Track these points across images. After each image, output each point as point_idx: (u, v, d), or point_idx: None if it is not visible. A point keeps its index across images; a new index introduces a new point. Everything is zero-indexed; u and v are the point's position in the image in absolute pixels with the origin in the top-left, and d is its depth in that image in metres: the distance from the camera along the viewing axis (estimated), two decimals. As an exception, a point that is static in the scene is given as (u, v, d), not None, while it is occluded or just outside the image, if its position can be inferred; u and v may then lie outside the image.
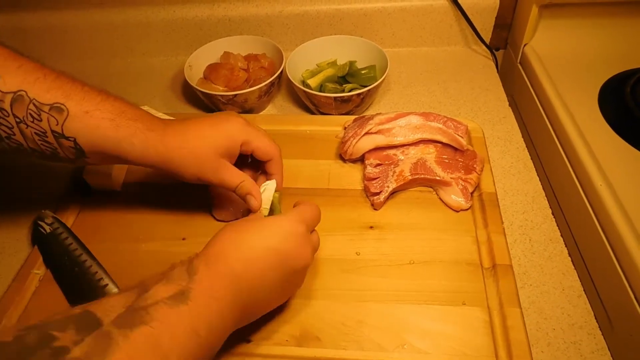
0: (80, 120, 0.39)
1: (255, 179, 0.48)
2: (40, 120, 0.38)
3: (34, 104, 0.38)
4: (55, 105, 0.39)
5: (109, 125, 0.40)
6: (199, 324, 0.30)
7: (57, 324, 0.28)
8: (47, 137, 0.39)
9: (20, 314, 0.44)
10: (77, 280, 0.46)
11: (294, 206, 0.41)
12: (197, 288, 0.31)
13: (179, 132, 0.43)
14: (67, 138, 0.39)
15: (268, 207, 0.45)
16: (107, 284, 0.45)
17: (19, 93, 0.38)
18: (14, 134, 0.39)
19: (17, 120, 0.38)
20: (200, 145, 0.43)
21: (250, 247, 0.36)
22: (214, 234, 0.37)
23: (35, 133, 0.39)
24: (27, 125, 0.39)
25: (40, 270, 0.47)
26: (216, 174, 0.43)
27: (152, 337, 0.27)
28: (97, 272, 0.46)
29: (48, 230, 0.50)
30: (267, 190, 0.45)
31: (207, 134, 0.43)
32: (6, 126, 0.38)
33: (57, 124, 0.39)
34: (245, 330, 0.41)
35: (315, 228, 0.42)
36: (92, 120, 0.39)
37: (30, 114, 0.38)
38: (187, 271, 0.33)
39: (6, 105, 0.38)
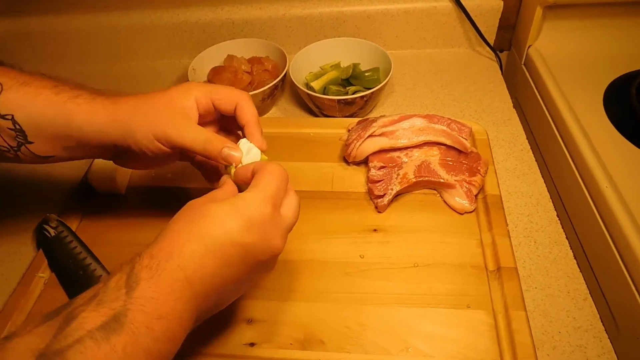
0: (16, 91, 0.35)
1: None
2: None
3: None
4: None
5: (49, 93, 0.36)
6: (137, 357, 0.25)
7: None
8: None
9: (25, 317, 0.44)
10: (81, 284, 0.46)
11: (252, 175, 0.34)
12: (136, 308, 0.25)
13: (130, 96, 0.38)
14: (3, 117, 0.35)
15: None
16: (111, 287, 0.45)
17: None
18: None
19: None
20: (154, 102, 0.37)
21: (205, 242, 0.29)
22: (165, 227, 0.31)
23: None
24: None
25: (45, 273, 0.48)
26: (174, 131, 0.36)
27: None
28: (101, 276, 0.46)
29: (53, 234, 0.50)
30: (251, 152, 0.38)
31: (161, 93, 0.38)
32: None
33: None
34: (248, 334, 0.41)
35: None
36: (30, 89, 0.35)
37: None
38: (126, 284, 0.27)
39: None
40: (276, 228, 0.32)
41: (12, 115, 0.35)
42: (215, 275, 0.29)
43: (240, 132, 0.41)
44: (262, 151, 0.40)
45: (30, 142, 0.37)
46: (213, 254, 0.29)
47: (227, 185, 0.36)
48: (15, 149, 0.37)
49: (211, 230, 0.30)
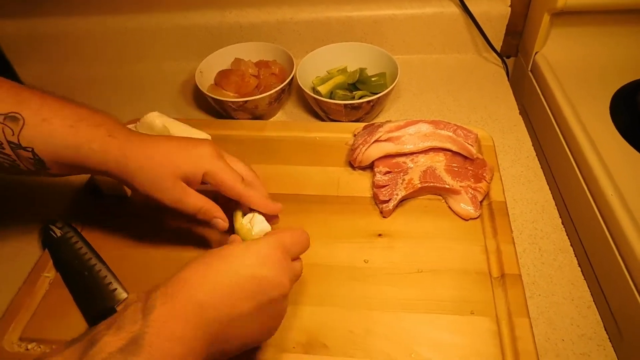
0: (37, 128, 0.38)
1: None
2: None
3: None
4: (10, 114, 0.37)
5: (67, 132, 0.38)
6: None
7: None
8: (4, 148, 0.38)
9: (31, 317, 0.44)
10: (86, 284, 0.46)
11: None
12: (152, 331, 0.27)
13: (143, 145, 0.40)
14: (24, 148, 0.38)
15: (264, 230, 0.42)
16: (116, 288, 0.46)
17: None
18: None
19: None
20: (161, 163, 0.40)
21: (218, 272, 0.32)
22: (181, 268, 0.33)
23: None
24: None
25: (50, 273, 0.48)
26: (173, 197, 0.41)
27: None
28: (106, 277, 0.46)
29: (59, 234, 0.50)
30: (257, 222, 0.42)
31: (171, 153, 0.41)
32: None
33: (12, 134, 0.37)
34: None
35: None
36: (50, 127, 0.38)
37: None
38: (142, 310, 0.28)
39: None
40: (285, 269, 0.34)
41: (33, 149, 0.38)
42: (228, 304, 0.31)
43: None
44: (275, 215, 0.45)
45: (48, 169, 0.40)
46: (225, 285, 0.31)
47: (237, 241, 0.39)
48: (34, 172, 0.40)
49: (228, 265, 0.32)
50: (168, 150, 0.41)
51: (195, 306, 0.30)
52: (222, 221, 0.43)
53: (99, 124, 0.40)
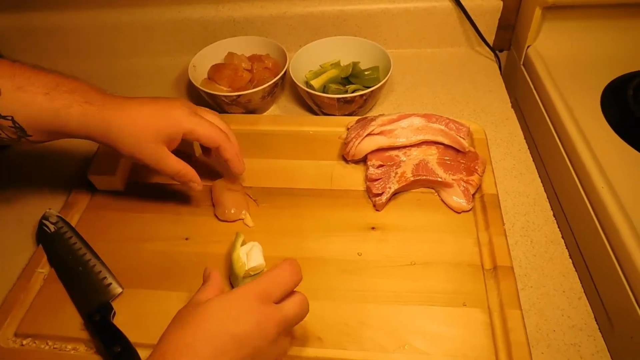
0: (13, 97, 0.39)
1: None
2: None
3: None
4: None
5: (43, 99, 0.39)
6: None
7: None
8: None
9: (25, 312, 0.44)
10: (81, 279, 0.46)
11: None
12: None
13: (120, 108, 0.42)
14: (4, 117, 0.39)
15: (258, 267, 0.43)
16: (110, 283, 0.46)
17: None
18: None
19: None
20: (141, 127, 0.42)
21: (196, 340, 0.31)
22: (159, 339, 0.32)
23: None
24: None
25: (44, 269, 0.48)
26: (153, 159, 0.43)
27: None
28: (100, 271, 0.46)
29: (52, 230, 0.50)
30: (253, 257, 0.43)
31: (149, 116, 0.42)
32: None
33: None
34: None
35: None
36: (25, 95, 0.39)
37: None
38: None
39: None
40: (266, 316, 0.33)
41: (12, 117, 0.39)
42: None
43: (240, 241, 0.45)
44: (239, 174, 0.50)
45: (29, 136, 0.41)
46: (207, 347, 0.30)
47: (211, 280, 0.37)
48: (16, 140, 0.41)
49: (203, 325, 0.31)
50: (148, 114, 0.43)
51: None
52: (196, 184, 0.46)
53: (74, 90, 0.41)
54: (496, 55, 0.75)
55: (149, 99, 0.45)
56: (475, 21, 0.72)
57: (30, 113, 0.39)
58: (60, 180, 0.59)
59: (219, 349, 0.30)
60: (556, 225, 0.52)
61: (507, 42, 0.79)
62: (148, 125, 0.42)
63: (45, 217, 0.51)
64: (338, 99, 0.61)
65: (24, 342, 0.43)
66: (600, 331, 0.43)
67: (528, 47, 0.72)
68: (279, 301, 0.34)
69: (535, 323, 0.44)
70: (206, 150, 0.52)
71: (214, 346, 0.30)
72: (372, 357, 0.40)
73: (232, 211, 0.50)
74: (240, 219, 0.50)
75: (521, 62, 0.74)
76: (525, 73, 0.72)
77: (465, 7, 0.71)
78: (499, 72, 0.73)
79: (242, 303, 0.33)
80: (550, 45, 0.70)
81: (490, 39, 0.75)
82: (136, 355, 0.40)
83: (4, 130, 0.40)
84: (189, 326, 0.31)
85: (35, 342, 0.42)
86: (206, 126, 0.45)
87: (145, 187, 0.55)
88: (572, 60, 0.68)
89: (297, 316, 0.35)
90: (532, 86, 0.69)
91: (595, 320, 0.44)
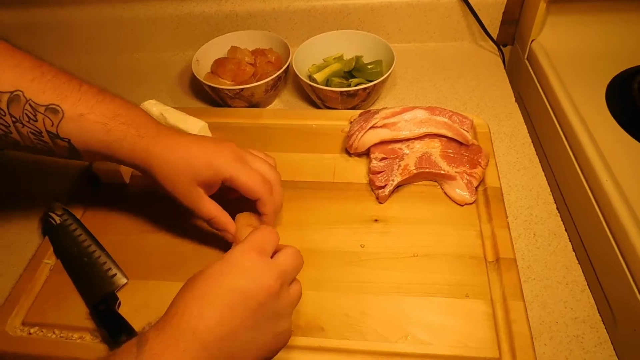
0: (74, 122, 0.40)
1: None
2: (36, 121, 0.39)
3: (30, 105, 0.39)
4: (50, 106, 0.39)
5: (101, 129, 0.41)
6: None
7: None
8: (42, 136, 0.40)
9: (32, 302, 0.45)
10: (86, 270, 0.47)
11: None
12: (146, 358, 0.28)
13: (167, 145, 0.42)
14: (61, 139, 0.40)
15: None
16: (115, 274, 0.46)
17: (15, 93, 0.38)
18: (11, 132, 0.40)
19: (14, 119, 0.39)
20: (180, 167, 0.42)
21: (203, 298, 0.32)
22: (169, 305, 0.33)
23: (30, 132, 0.40)
24: (23, 125, 0.39)
25: (50, 260, 0.49)
26: (189, 200, 0.43)
27: None
28: (105, 262, 0.47)
29: (58, 222, 0.51)
30: None
31: (192, 157, 0.42)
32: (3, 125, 0.39)
33: (52, 125, 0.39)
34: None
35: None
36: (86, 123, 0.40)
37: (27, 114, 0.39)
38: (137, 344, 0.29)
39: (3, 105, 0.38)
40: (266, 269, 0.33)
41: (69, 140, 0.41)
42: (219, 322, 0.31)
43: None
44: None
45: (81, 157, 0.43)
46: (213, 305, 0.31)
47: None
48: (68, 157, 0.43)
49: (207, 287, 0.32)
50: (190, 155, 0.42)
51: (187, 333, 0.30)
52: (230, 236, 0.45)
53: (130, 122, 0.42)
54: (500, 50, 0.75)
55: (200, 138, 0.45)
56: (479, 15, 0.72)
57: (86, 140, 0.41)
58: (66, 174, 0.59)
59: (225, 305, 0.31)
60: (559, 219, 0.51)
61: (510, 37, 0.79)
62: (188, 166, 0.42)
63: (50, 210, 0.52)
64: (341, 92, 0.61)
65: (32, 330, 0.43)
66: (603, 323, 0.43)
67: (532, 41, 0.71)
68: (272, 255, 0.35)
69: (538, 315, 0.44)
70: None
71: (219, 303, 0.31)
72: (375, 347, 0.40)
73: None
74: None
75: (525, 57, 0.73)
76: (529, 67, 0.72)
77: (469, 1, 0.71)
78: (502, 66, 0.73)
79: (242, 259, 0.33)
80: (555, 39, 0.70)
81: (494, 33, 0.75)
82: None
83: (58, 149, 0.41)
84: (193, 290, 0.32)
85: (42, 331, 0.43)
86: (249, 175, 0.43)
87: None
88: (577, 55, 0.68)
89: (294, 267, 0.36)
90: (536, 80, 0.69)
91: (598, 312, 0.44)
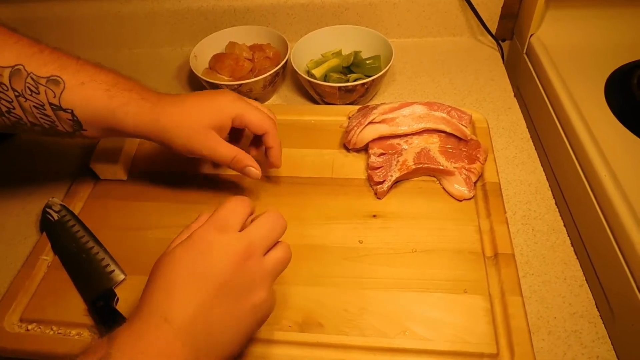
0: (76, 91, 0.40)
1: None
2: (38, 93, 0.39)
3: (32, 78, 0.39)
4: (52, 77, 0.39)
5: (103, 95, 0.41)
6: None
7: None
8: (45, 109, 0.40)
9: (30, 298, 0.45)
10: (84, 266, 0.47)
11: None
12: (118, 349, 0.28)
13: (172, 103, 0.43)
14: (64, 110, 0.40)
15: None
16: (113, 270, 0.46)
17: (16, 67, 0.39)
18: (14, 108, 0.40)
19: (16, 93, 0.39)
20: (191, 117, 0.43)
21: (168, 282, 0.31)
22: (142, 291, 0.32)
23: (33, 106, 0.40)
24: (26, 99, 0.39)
25: (48, 256, 0.48)
26: (207, 147, 0.44)
27: None
28: (103, 259, 0.47)
29: (56, 218, 0.51)
30: None
31: (198, 106, 0.44)
32: (6, 100, 0.39)
33: (54, 96, 0.40)
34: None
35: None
36: (88, 91, 0.40)
37: (29, 87, 0.39)
38: (107, 339, 0.29)
39: (5, 80, 0.38)
40: (228, 244, 0.32)
41: (72, 110, 0.41)
42: (188, 305, 0.30)
43: None
44: (278, 167, 0.49)
45: (85, 130, 0.42)
46: (179, 289, 0.30)
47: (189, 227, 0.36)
48: (71, 133, 0.43)
49: (171, 272, 0.31)
50: (196, 105, 0.44)
51: (157, 319, 0.29)
52: (254, 169, 0.46)
53: (131, 88, 0.42)
54: (499, 45, 0.74)
55: (196, 93, 0.46)
56: (478, 10, 0.71)
57: (89, 108, 0.41)
58: (63, 169, 0.59)
59: (190, 288, 0.30)
60: (558, 214, 0.51)
61: (509, 32, 0.79)
62: (197, 114, 0.43)
63: (48, 206, 0.52)
64: (339, 87, 0.61)
65: (29, 327, 0.43)
66: (602, 318, 0.43)
67: (531, 36, 0.71)
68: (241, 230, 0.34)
69: (536, 310, 0.44)
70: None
71: (183, 286, 0.30)
72: (373, 342, 0.40)
73: None
74: None
75: (524, 51, 0.73)
76: (528, 62, 0.71)
77: (468, -5, 0.70)
78: (501, 61, 0.73)
79: (201, 239, 0.32)
80: (554, 34, 0.70)
81: (493, 28, 0.74)
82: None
83: (61, 123, 0.41)
84: (157, 278, 0.31)
85: (40, 328, 0.43)
86: (256, 111, 0.45)
87: (147, 175, 0.55)
88: (576, 49, 0.68)
89: (267, 235, 0.34)
90: (535, 75, 0.69)
91: (597, 307, 0.44)
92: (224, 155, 0.44)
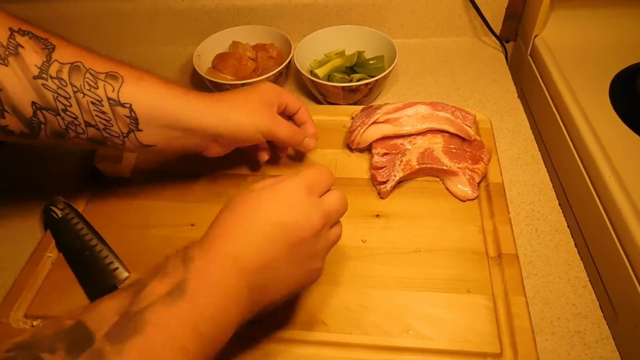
0: (134, 84, 0.40)
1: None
2: (97, 88, 0.39)
3: (90, 73, 0.39)
4: (110, 73, 0.40)
5: (162, 86, 0.41)
6: (199, 320, 0.28)
7: (47, 341, 0.27)
8: (102, 106, 0.40)
9: (35, 295, 0.45)
10: (88, 264, 0.47)
11: None
12: (193, 277, 0.29)
13: (222, 95, 0.45)
14: (122, 105, 0.40)
15: None
16: (117, 267, 0.46)
17: (75, 64, 0.39)
18: (70, 105, 0.39)
19: (75, 89, 0.39)
20: (251, 99, 0.45)
21: (245, 225, 0.32)
22: (214, 217, 0.34)
23: (91, 102, 0.39)
24: (84, 94, 0.39)
25: (52, 253, 0.49)
26: (274, 121, 0.46)
27: (148, 348, 0.26)
28: (107, 256, 0.47)
29: (60, 215, 0.51)
30: None
31: (251, 92, 0.46)
32: (64, 97, 0.38)
33: (113, 91, 0.40)
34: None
35: (339, 191, 0.37)
36: (146, 83, 0.41)
37: (87, 82, 0.39)
38: (183, 260, 0.30)
39: (64, 75, 0.38)
40: (313, 208, 0.34)
41: (131, 105, 0.40)
42: (260, 253, 0.32)
43: None
44: (314, 143, 0.52)
45: (140, 130, 0.41)
46: (256, 235, 0.32)
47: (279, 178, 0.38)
48: (125, 135, 0.42)
49: (252, 215, 0.33)
50: (249, 91, 0.46)
51: (230, 258, 0.31)
52: (312, 140, 0.50)
53: (184, 86, 0.44)
54: (503, 45, 0.74)
55: (235, 89, 0.48)
56: (481, 10, 0.71)
57: (148, 101, 0.41)
58: (67, 167, 0.59)
59: (268, 237, 0.32)
60: (562, 215, 0.51)
61: (513, 32, 0.78)
62: (254, 95, 0.46)
63: (52, 204, 0.52)
64: (343, 87, 0.61)
65: (34, 323, 0.43)
66: (605, 319, 0.43)
67: (535, 36, 0.71)
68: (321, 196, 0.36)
69: (539, 311, 0.43)
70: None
71: (262, 234, 0.32)
72: (376, 341, 0.40)
73: None
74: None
75: (528, 52, 0.73)
76: (532, 63, 0.71)
77: (472, -5, 0.70)
78: (505, 62, 0.73)
79: (291, 193, 0.33)
80: (558, 34, 0.70)
81: (497, 29, 0.74)
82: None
83: (118, 121, 0.40)
84: (238, 214, 0.33)
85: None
86: (288, 93, 0.49)
87: (151, 174, 0.56)
88: (580, 50, 0.68)
89: (338, 211, 0.37)
90: (539, 76, 0.69)
91: (600, 308, 0.44)
92: (283, 129, 0.47)
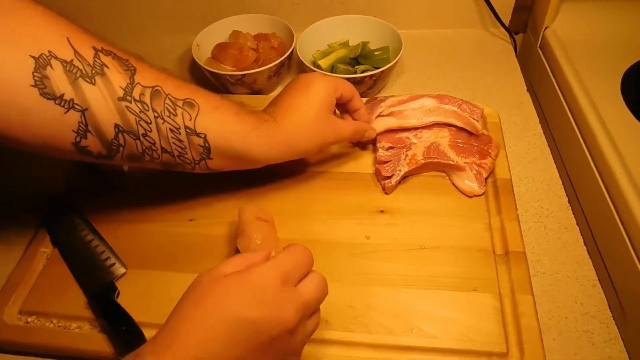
0: (210, 115, 0.40)
1: None
2: (176, 115, 0.39)
3: (170, 99, 0.39)
4: (187, 100, 0.39)
5: (235, 120, 0.41)
6: None
7: None
8: (179, 134, 0.39)
9: (29, 291, 0.44)
10: (84, 259, 0.46)
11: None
12: None
13: (283, 112, 0.44)
14: (198, 134, 0.40)
15: None
16: (114, 263, 0.45)
17: (156, 88, 0.38)
18: (150, 130, 0.38)
19: (156, 114, 0.38)
20: (309, 113, 0.44)
21: (213, 320, 0.28)
22: (172, 310, 0.30)
23: (169, 129, 0.39)
24: (164, 120, 0.39)
25: (47, 248, 0.48)
26: (333, 131, 0.46)
27: None
28: (104, 252, 0.46)
29: (55, 210, 0.50)
30: None
31: (306, 96, 0.44)
32: (145, 121, 0.38)
33: (190, 119, 0.39)
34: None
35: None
36: (221, 115, 0.40)
37: (167, 108, 0.39)
38: (135, 353, 0.28)
39: (147, 99, 0.38)
40: (288, 301, 0.30)
41: (205, 135, 0.40)
42: (225, 354, 0.28)
43: None
44: (373, 133, 0.52)
45: (211, 159, 0.42)
46: (221, 333, 0.28)
47: (244, 256, 0.34)
48: (197, 162, 0.42)
49: (218, 309, 0.29)
50: (302, 101, 0.45)
51: (187, 359, 0.27)
52: (373, 130, 0.51)
53: (252, 111, 0.43)
54: (512, 37, 0.73)
55: (290, 85, 0.47)
56: (490, 1, 0.70)
57: (222, 133, 0.41)
58: (63, 161, 0.58)
59: (234, 336, 0.28)
60: (571, 212, 0.50)
61: (523, 24, 0.77)
62: (314, 106, 0.44)
63: (48, 198, 0.51)
64: (347, 79, 0.59)
65: (29, 319, 0.42)
66: (614, 319, 0.42)
67: (545, 28, 0.69)
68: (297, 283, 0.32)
69: (547, 310, 0.43)
70: None
71: (228, 332, 0.28)
72: (380, 340, 0.39)
73: (258, 243, 0.42)
74: None
75: (538, 45, 0.71)
76: (542, 56, 0.70)
77: (481, -15, 0.68)
78: (514, 54, 0.71)
79: (264, 284, 0.30)
80: (569, 27, 0.68)
81: (506, 20, 0.72)
82: (140, 333, 0.39)
83: (192, 149, 0.41)
84: (200, 307, 0.29)
85: (39, 320, 0.42)
86: (340, 79, 0.48)
87: (147, 168, 0.54)
88: (592, 43, 0.66)
89: (318, 299, 0.33)
90: (548, 70, 0.67)
91: (609, 308, 0.43)
92: (347, 131, 0.47)
